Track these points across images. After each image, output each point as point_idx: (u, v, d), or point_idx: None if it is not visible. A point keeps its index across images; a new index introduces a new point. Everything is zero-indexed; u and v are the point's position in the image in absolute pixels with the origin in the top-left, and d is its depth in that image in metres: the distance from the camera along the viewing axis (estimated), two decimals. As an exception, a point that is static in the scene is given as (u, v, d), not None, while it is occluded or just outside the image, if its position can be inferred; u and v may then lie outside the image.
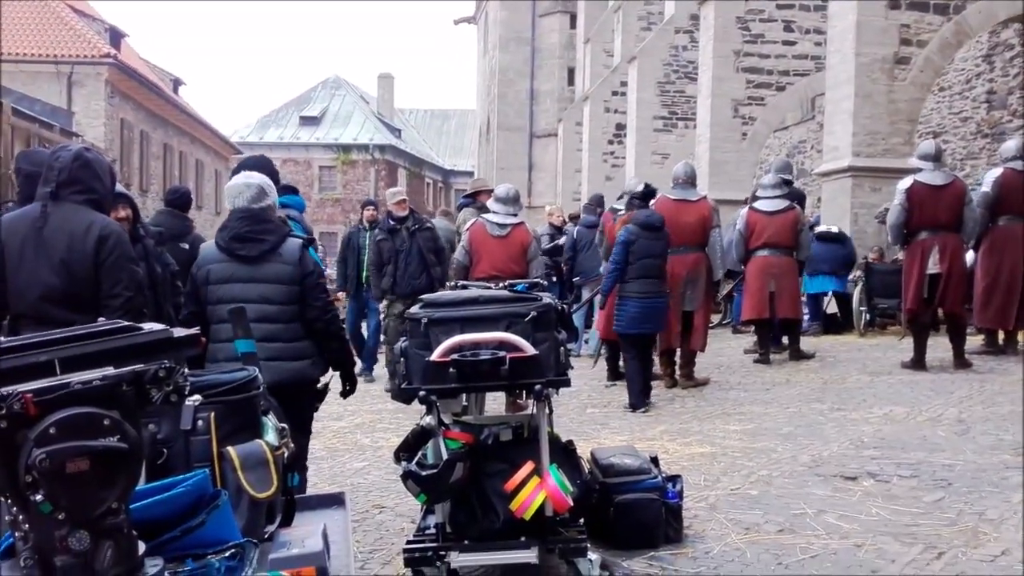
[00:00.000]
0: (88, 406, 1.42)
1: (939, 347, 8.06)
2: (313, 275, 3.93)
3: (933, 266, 7.66)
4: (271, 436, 2.24)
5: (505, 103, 37.43)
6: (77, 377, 1.45)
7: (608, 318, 8.06)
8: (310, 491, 3.96)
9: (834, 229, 11.31)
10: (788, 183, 9.37)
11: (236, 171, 4.78)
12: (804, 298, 11.02)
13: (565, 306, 4.15)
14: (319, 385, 4.01)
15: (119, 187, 4.88)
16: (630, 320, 7.17)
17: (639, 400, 7.09)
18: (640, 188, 7.82)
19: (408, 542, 3.60)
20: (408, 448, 3.49)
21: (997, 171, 8.26)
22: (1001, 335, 8.46)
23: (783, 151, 20.85)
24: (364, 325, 9.78)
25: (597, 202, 11.71)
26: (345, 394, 4.17)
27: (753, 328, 9.61)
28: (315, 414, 4.20)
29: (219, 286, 3.85)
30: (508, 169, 35.34)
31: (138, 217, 4.79)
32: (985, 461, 4.91)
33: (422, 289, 7.35)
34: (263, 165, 4.81)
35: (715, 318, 11.38)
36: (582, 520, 3.68)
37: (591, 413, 7.14)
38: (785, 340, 9.27)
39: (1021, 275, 7.91)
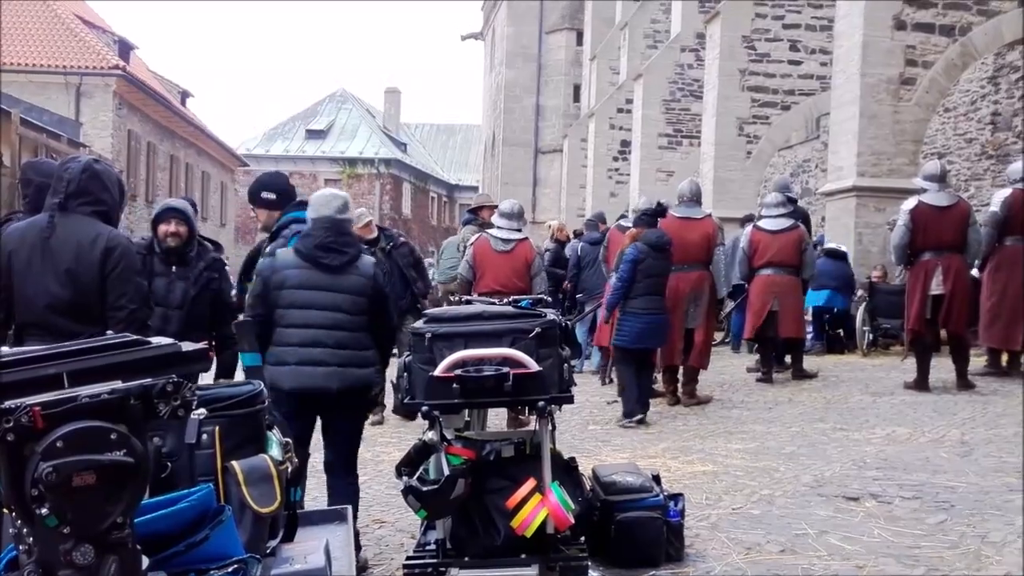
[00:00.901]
0: (95, 420, 1.43)
1: (942, 368, 8.04)
2: (386, 293, 4.17)
3: (936, 287, 7.66)
4: (275, 451, 2.24)
5: (511, 118, 37.53)
6: (85, 390, 1.46)
7: (611, 331, 8.13)
8: (311, 505, 3.97)
9: (843, 247, 11.40)
10: (792, 201, 9.38)
11: (254, 188, 4.86)
12: (809, 316, 11.05)
13: (568, 322, 4.16)
14: (372, 393, 4.15)
15: (177, 203, 4.97)
16: (635, 335, 7.23)
17: (633, 408, 7.18)
18: (653, 206, 7.84)
19: (408, 558, 3.60)
20: (410, 463, 3.49)
21: (1006, 191, 8.26)
22: (1004, 356, 8.44)
23: (787, 170, 20.87)
24: None
25: (600, 219, 11.77)
26: None
27: (756, 346, 9.62)
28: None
29: (294, 291, 3.92)
30: (513, 184, 35.38)
31: (193, 236, 4.81)
32: (988, 483, 4.90)
33: (407, 308, 7.31)
34: (279, 182, 4.88)
35: (718, 336, 11.37)
36: (583, 538, 3.67)
37: (593, 430, 7.13)
38: (788, 359, 9.26)
39: None
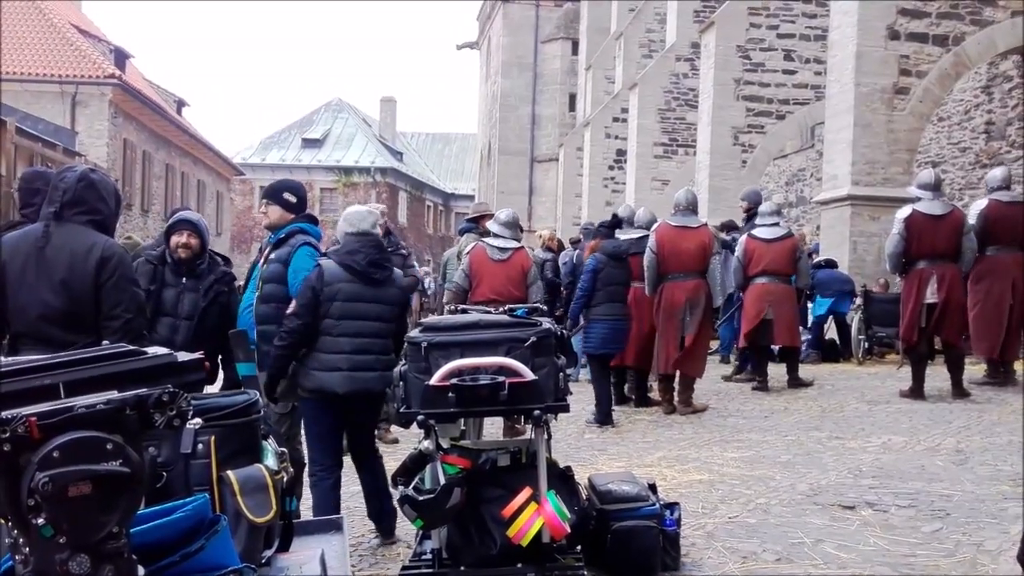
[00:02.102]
0: (91, 430, 1.43)
1: (938, 376, 8.06)
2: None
3: (931, 295, 7.68)
4: (270, 460, 2.24)
5: (507, 128, 37.63)
6: (81, 401, 1.46)
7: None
8: (307, 515, 3.97)
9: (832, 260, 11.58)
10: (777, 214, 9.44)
11: (278, 186, 4.97)
12: (810, 324, 11.09)
13: (563, 331, 4.17)
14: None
15: (190, 215, 5.01)
16: (599, 340, 7.52)
17: (607, 417, 7.55)
18: (609, 218, 8.29)
19: (404, 567, 3.59)
20: (406, 472, 3.50)
21: (983, 202, 8.28)
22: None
23: (782, 179, 20.95)
24: None
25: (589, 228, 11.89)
26: None
27: (738, 354, 9.67)
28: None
29: (347, 303, 4.23)
30: (509, 193, 35.46)
31: (205, 248, 4.84)
32: (983, 492, 4.90)
33: None
34: (301, 189, 4.98)
35: (714, 344, 11.38)
36: (579, 547, 3.67)
37: (589, 439, 7.12)
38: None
39: (1008, 304, 7.92)
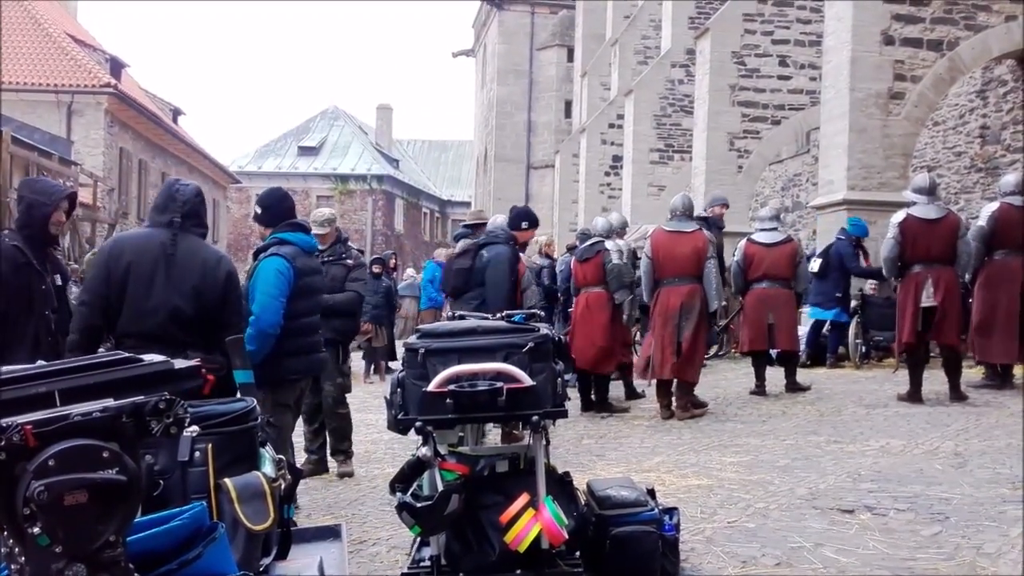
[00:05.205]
0: (87, 438, 1.42)
1: (935, 380, 8.06)
2: None
3: (927, 299, 7.69)
4: (268, 468, 2.23)
5: (503, 135, 37.68)
6: (77, 409, 1.46)
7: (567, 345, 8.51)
8: (304, 523, 3.95)
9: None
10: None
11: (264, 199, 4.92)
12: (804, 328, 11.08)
13: (561, 336, 4.17)
14: None
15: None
16: None
17: None
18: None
19: (402, 574, 3.58)
20: (403, 479, 3.48)
21: (994, 205, 8.32)
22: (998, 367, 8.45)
23: (778, 184, 20.99)
24: None
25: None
26: None
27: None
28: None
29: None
30: (505, 200, 35.42)
31: None
32: (982, 495, 4.90)
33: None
34: (269, 197, 4.94)
35: (711, 349, 11.37)
36: (578, 553, 3.66)
37: (587, 444, 7.11)
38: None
39: (1018, 308, 7.93)
